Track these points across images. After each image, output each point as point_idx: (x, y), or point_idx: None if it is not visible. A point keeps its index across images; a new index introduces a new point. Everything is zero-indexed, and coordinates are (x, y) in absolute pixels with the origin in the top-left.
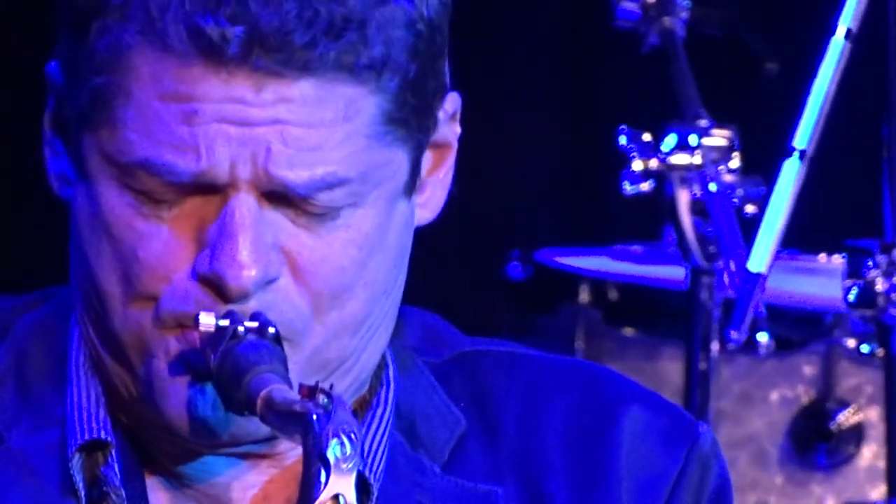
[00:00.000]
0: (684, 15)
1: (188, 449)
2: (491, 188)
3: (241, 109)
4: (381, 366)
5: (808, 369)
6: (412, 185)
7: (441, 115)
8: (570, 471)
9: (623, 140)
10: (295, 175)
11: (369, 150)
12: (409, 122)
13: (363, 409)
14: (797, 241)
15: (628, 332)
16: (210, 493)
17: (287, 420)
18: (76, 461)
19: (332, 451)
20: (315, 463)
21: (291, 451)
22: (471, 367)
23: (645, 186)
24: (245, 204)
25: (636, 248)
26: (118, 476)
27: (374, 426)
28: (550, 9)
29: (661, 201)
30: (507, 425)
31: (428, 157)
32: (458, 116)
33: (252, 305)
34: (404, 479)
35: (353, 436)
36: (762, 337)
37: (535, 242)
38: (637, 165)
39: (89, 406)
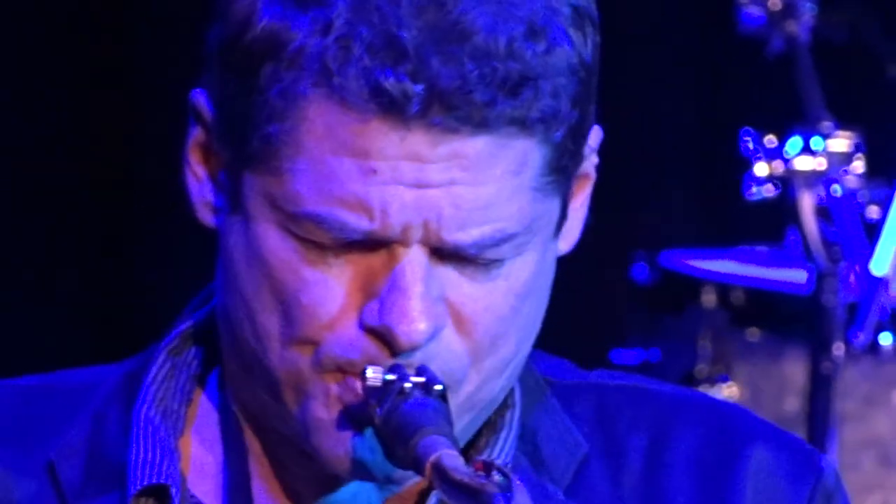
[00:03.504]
0: (808, 19)
1: (319, 477)
2: (617, 191)
3: (416, 168)
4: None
5: None
6: (560, 225)
7: (586, 150)
8: None
9: (748, 143)
10: (466, 236)
11: (534, 202)
12: (568, 168)
13: (488, 430)
14: None
15: (753, 333)
16: None
17: (462, 492)
18: None
19: None
20: None
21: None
22: (596, 396)
23: (769, 190)
24: (416, 259)
25: (760, 250)
26: None
27: (497, 448)
28: (676, 14)
29: (784, 204)
30: (631, 455)
31: (571, 193)
32: (597, 148)
33: (418, 357)
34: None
35: None
36: (885, 339)
37: (660, 244)
38: (761, 169)
39: (146, 453)
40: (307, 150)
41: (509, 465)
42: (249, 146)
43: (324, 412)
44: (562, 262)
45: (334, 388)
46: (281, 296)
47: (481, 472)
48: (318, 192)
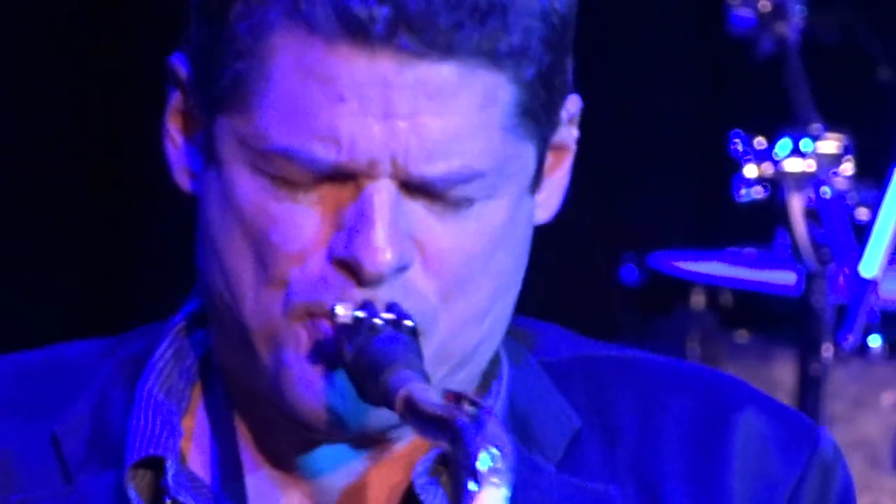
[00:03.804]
0: (798, 21)
1: (300, 438)
2: (607, 192)
3: (383, 94)
4: (495, 361)
5: None
6: (536, 182)
7: (563, 114)
8: (687, 477)
9: (737, 145)
10: (433, 168)
11: (504, 142)
12: (539, 115)
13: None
14: None
15: (742, 335)
16: (314, 480)
17: (431, 424)
18: (136, 484)
19: (483, 463)
20: (466, 475)
21: (401, 437)
22: (588, 370)
23: (758, 191)
24: (384, 190)
25: (749, 252)
26: (175, 485)
27: None
28: (665, 15)
29: (774, 206)
30: (624, 428)
31: (548, 158)
32: (577, 120)
33: (385, 293)
34: (518, 479)
35: (505, 449)
36: (874, 341)
37: (649, 247)
38: (750, 171)
39: (146, 427)
40: (275, 83)
41: None
42: (220, 87)
43: (294, 359)
44: (551, 262)
45: (303, 333)
46: (252, 238)
47: (452, 403)
48: (286, 126)
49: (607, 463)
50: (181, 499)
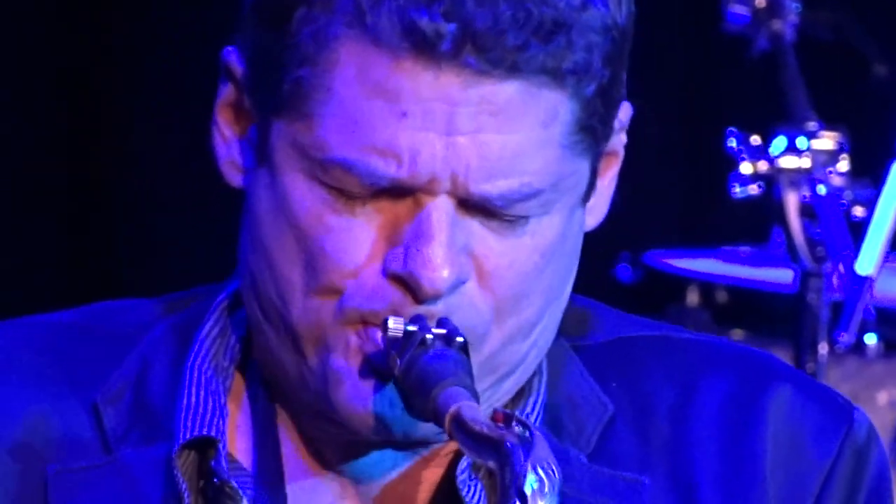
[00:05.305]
0: (794, 18)
1: (341, 436)
2: None
3: (446, 111)
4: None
5: None
6: (589, 193)
7: (616, 124)
8: (719, 462)
9: (732, 143)
10: (492, 187)
11: (562, 159)
12: (596, 130)
13: (517, 397)
14: None
15: (736, 333)
16: (353, 476)
17: (480, 444)
18: (181, 463)
19: (530, 485)
20: (512, 497)
21: (443, 439)
22: (624, 352)
23: (753, 189)
24: (443, 208)
25: (744, 250)
26: (226, 470)
27: (525, 413)
28: (661, 12)
29: (769, 203)
30: (659, 411)
31: (599, 165)
32: (626, 126)
33: (439, 308)
34: None
35: (552, 472)
36: (870, 339)
37: (644, 244)
38: (746, 168)
39: (197, 406)
40: (337, 94)
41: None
42: (280, 92)
43: (343, 364)
44: None
45: (354, 339)
46: (305, 245)
47: (500, 424)
48: (347, 138)
49: (640, 450)
50: (230, 483)
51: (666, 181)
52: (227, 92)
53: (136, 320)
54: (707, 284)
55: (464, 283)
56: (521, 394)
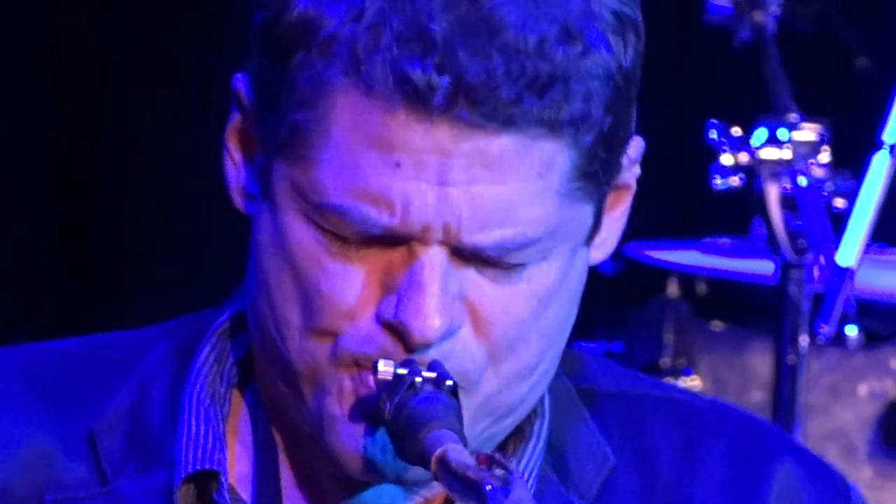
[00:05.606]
0: (775, 10)
1: (339, 471)
2: None
3: (439, 163)
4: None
5: None
6: (593, 233)
7: (624, 161)
8: None
9: (713, 134)
10: (485, 237)
11: (560, 207)
12: (598, 175)
13: (516, 438)
14: (887, 234)
15: (717, 325)
16: None
17: (462, 485)
18: (182, 495)
19: None
20: None
21: None
22: (628, 408)
23: (734, 180)
24: (436, 258)
25: (725, 241)
26: (228, 502)
27: (525, 458)
28: (642, 3)
29: (750, 195)
30: (661, 470)
31: (607, 200)
32: (639, 160)
33: (432, 354)
34: None
35: None
36: (851, 331)
37: (625, 236)
38: (727, 159)
39: (198, 437)
40: (334, 140)
41: (534, 475)
42: (279, 133)
43: (337, 408)
44: None
45: (348, 383)
46: (302, 285)
47: (483, 466)
48: (342, 184)
49: (643, 502)
50: None
51: (646, 172)
52: (235, 118)
53: (132, 347)
54: (688, 276)
55: (457, 330)
56: (522, 435)
